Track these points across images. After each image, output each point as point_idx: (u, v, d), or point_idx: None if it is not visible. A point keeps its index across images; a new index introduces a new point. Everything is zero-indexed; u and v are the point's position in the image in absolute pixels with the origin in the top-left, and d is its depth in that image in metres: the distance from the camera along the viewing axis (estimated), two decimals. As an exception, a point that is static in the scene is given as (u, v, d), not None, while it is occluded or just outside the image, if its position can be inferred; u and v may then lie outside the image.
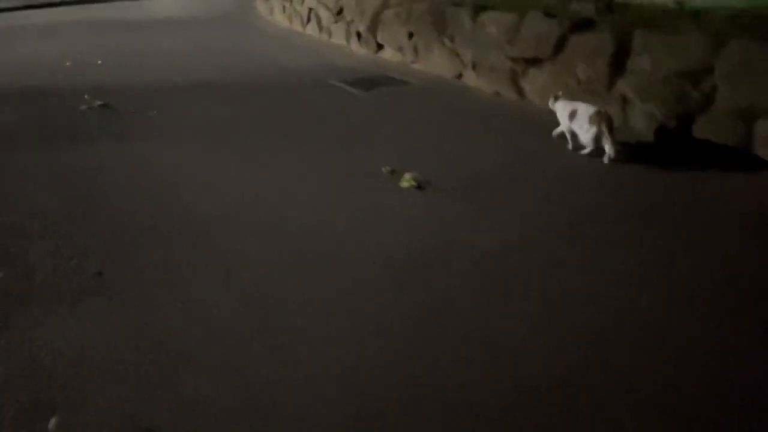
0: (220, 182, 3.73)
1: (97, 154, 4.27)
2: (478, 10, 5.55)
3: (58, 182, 3.80)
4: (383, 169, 3.74)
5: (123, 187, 3.70)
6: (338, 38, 7.92)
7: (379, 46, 7.05)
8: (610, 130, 3.71)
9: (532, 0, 5.28)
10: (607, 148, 3.71)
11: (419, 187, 3.51)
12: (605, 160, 3.73)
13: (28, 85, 6.38)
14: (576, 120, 3.87)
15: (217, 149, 4.34)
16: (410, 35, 6.45)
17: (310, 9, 8.67)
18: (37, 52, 8.11)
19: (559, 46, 4.75)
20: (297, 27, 9.20)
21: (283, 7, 9.80)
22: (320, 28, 8.42)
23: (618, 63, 4.34)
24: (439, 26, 5.99)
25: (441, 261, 2.74)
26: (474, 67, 5.61)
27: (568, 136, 4.00)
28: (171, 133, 4.71)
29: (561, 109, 4.05)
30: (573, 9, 4.91)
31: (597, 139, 3.76)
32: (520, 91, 5.18)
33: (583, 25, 4.65)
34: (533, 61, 5.01)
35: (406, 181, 3.55)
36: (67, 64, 7.19)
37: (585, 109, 3.83)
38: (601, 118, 3.72)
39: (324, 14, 8.25)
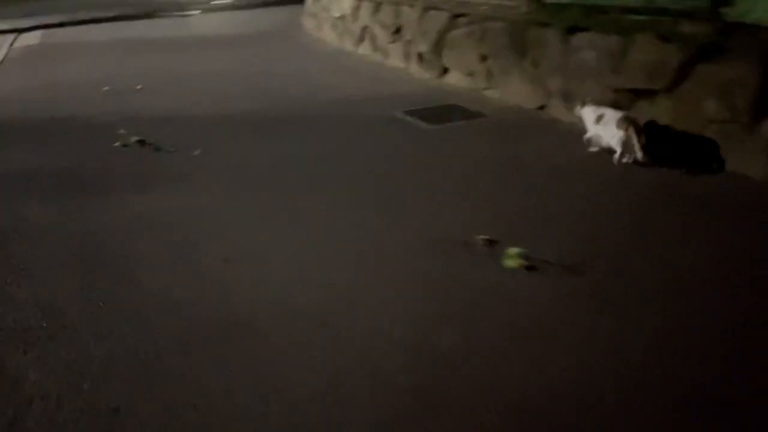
0: (275, 256, 3.00)
1: (130, 210, 3.60)
2: (570, 31, 4.72)
3: (78, 253, 3.12)
4: (477, 239, 2.96)
5: (158, 262, 2.99)
6: (396, 59, 7.19)
7: (444, 70, 6.28)
8: (638, 134, 3.79)
9: (634, 21, 4.44)
10: (631, 151, 3.81)
11: (531, 267, 2.70)
12: (629, 160, 3.83)
13: (58, 115, 5.83)
14: (604, 123, 3.95)
15: (269, 203, 3.62)
16: (483, 58, 5.66)
17: (364, 27, 7.97)
18: (73, 75, 7.62)
19: (681, 75, 3.89)
20: (348, 46, 8.52)
21: (333, 24, 9.14)
22: (375, 47, 7.70)
23: (764, 100, 3.47)
24: (520, 48, 5.19)
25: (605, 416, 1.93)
26: (564, 97, 4.78)
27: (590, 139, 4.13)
28: (216, 181, 4.02)
29: (588, 113, 4.14)
30: (687, 31, 4.05)
31: (625, 144, 3.82)
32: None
33: (713, 50, 3.79)
34: (644, 93, 4.16)
35: (512, 258, 2.74)
36: (105, 89, 6.64)
37: (612, 114, 3.92)
38: (628, 123, 3.81)
39: (379, 33, 7.53)
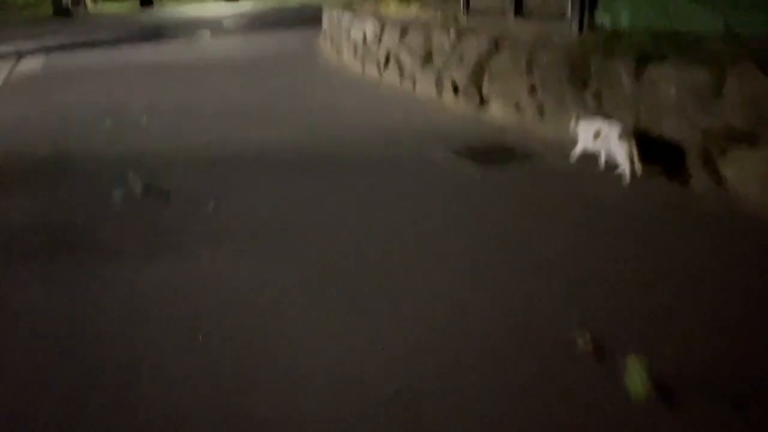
0: (307, 358, 2.33)
1: (131, 285, 2.94)
2: (642, 60, 4.08)
3: (63, 345, 2.47)
4: (578, 341, 2.28)
5: (169, 375, 2.32)
6: (426, 89, 6.56)
7: (484, 102, 5.65)
8: (637, 147, 3.77)
9: (720, 49, 3.80)
10: (628, 163, 3.78)
11: (665, 393, 2.01)
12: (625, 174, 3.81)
13: (54, 152, 5.21)
14: (604, 139, 3.88)
15: (309, 277, 2.95)
16: (532, 89, 5.02)
17: (389, 52, 7.37)
18: (74, 105, 7.03)
19: (795, 118, 3.24)
20: (372, 72, 7.91)
21: (354, 49, 8.55)
22: (402, 75, 7.09)
23: None
24: (579, 80, 4.54)
25: None
26: (636, 137, 4.13)
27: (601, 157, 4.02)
28: (235, 243, 3.36)
29: (584, 129, 4.08)
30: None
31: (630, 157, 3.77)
32: (717, 178, 3.65)
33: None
34: (743, 138, 3.50)
35: (637, 379, 2.05)
36: (107, 123, 6.03)
37: (610, 127, 3.86)
38: (628, 135, 3.77)
39: (407, 59, 6.92)
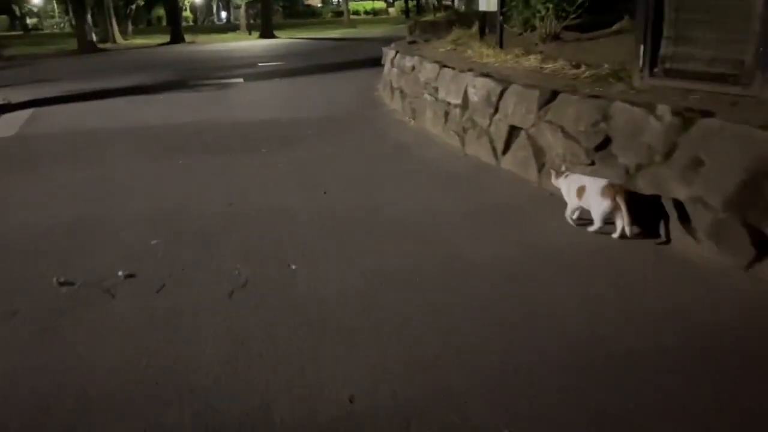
0: None
1: None
2: None
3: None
4: None
5: None
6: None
7: (762, 248, 2.93)
8: (627, 203, 3.26)
9: None
10: (620, 223, 3.33)
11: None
12: (615, 235, 3.36)
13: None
14: (586, 196, 3.45)
15: None
16: None
17: (513, 128, 4.74)
18: (51, 208, 4.43)
19: None
20: (476, 152, 5.29)
21: (445, 116, 5.95)
22: (540, 167, 4.42)
23: None
24: None
25: None
26: None
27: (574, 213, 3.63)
28: None
29: (567, 185, 3.62)
30: None
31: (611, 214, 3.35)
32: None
33: None
34: None
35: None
36: (67, 284, 3.46)
37: (595, 184, 3.42)
38: (614, 190, 3.31)
39: (555, 141, 4.26)
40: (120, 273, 3.20)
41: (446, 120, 5.90)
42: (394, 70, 7.95)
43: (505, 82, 4.90)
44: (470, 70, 5.62)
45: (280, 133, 6.63)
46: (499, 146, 4.89)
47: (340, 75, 11.84)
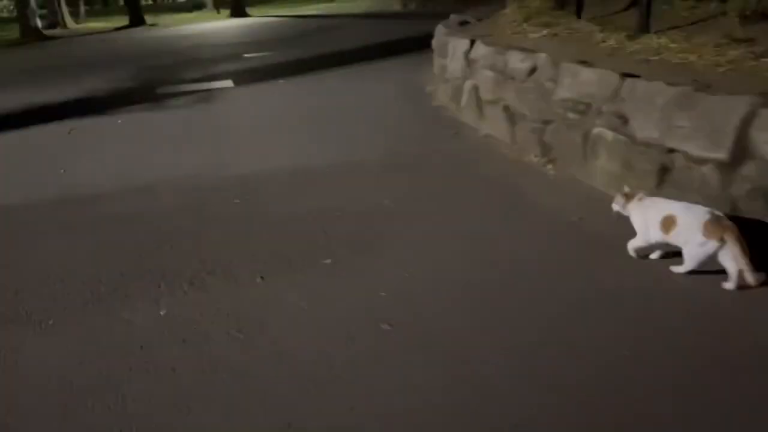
0: None
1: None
2: None
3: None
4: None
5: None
6: None
7: None
8: (739, 241, 2.32)
9: None
10: (733, 269, 2.34)
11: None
12: (729, 286, 2.37)
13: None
14: (678, 231, 2.47)
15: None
16: None
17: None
18: None
19: None
20: (593, 182, 2.58)
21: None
22: None
23: None
24: None
25: None
26: None
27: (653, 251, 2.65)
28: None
29: (643, 213, 2.66)
30: None
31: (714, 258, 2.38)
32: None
33: None
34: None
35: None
36: None
37: (692, 215, 2.45)
38: (724, 227, 2.35)
39: None
40: None
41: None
42: (485, 72, 5.14)
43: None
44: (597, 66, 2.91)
45: (333, 214, 3.68)
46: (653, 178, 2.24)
47: (356, 69, 8.94)
